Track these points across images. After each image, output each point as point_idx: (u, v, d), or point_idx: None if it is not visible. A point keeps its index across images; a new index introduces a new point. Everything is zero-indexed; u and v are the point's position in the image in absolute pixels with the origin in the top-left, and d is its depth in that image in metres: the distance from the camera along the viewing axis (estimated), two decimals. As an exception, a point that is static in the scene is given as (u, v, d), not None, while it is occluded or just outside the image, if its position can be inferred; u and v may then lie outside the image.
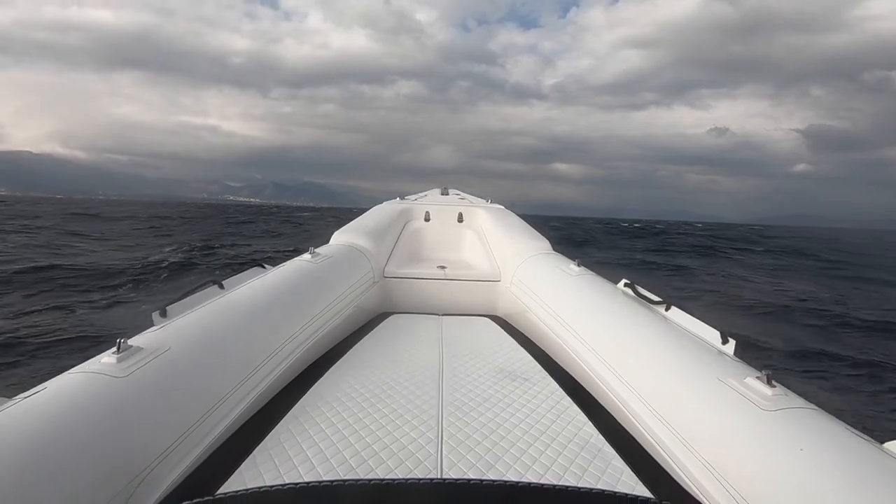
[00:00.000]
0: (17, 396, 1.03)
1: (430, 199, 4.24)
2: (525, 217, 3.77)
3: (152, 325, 1.48)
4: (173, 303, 1.60)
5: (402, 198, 4.24)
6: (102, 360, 1.19)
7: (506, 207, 4.10)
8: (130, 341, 1.28)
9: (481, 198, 4.43)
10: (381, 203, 4.03)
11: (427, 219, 3.83)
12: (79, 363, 1.22)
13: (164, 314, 1.53)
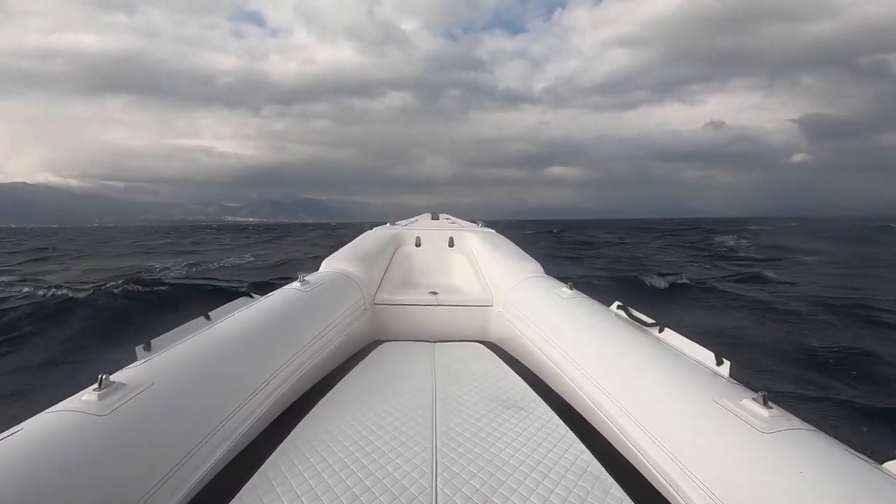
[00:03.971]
0: None
1: (421, 224, 4.22)
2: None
3: (136, 359, 1.44)
4: (158, 336, 1.55)
5: (392, 223, 4.22)
6: (83, 398, 1.15)
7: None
8: (112, 377, 1.24)
9: (472, 221, 4.43)
10: (372, 229, 4.04)
11: (418, 244, 3.80)
12: (57, 402, 1.17)
13: (148, 348, 1.49)
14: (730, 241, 24.63)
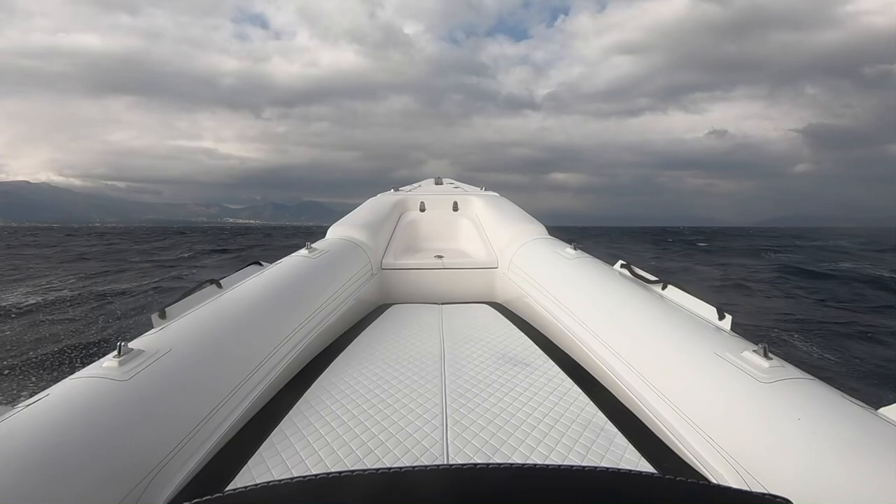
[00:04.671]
0: (20, 404, 1.04)
1: (425, 189, 4.27)
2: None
3: (152, 327, 1.48)
4: (172, 304, 1.59)
5: (397, 189, 4.22)
6: (104, 365, 1.19)
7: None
8: (131, 344, 1.29)
9: (476, 185, 4.42)
10: (376, 195, 4.00)
11: (422, 209, 3.83)
12: (80, 369, 1.22)
13: (163, 315, 1.53)
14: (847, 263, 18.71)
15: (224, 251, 22.23)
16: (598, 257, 2.45)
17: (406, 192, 4.06)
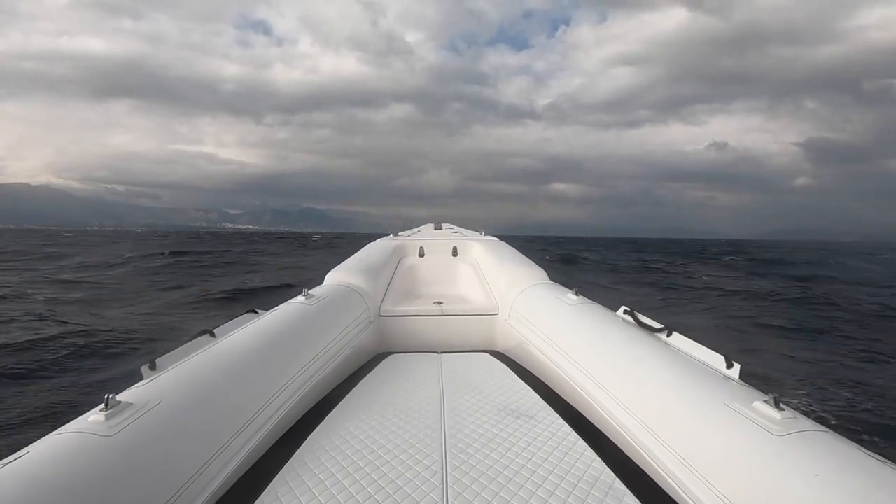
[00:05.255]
0: None
1: (424, 235, 4.28)
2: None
3: (142, 378, 1.43)
4: (163, 355, 1.54)
5: (396, 234, 4.26)
6: (90, 419, 1.14)
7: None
8: (119, 397, 1.24)
9: (475, 230, 4.46)
10: (375, 240, 4.02)
11: (421, 254, 3.79)
12: (64, 423, 1.17)
13: (153, 367, 1.48)
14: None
15: (181, 253, 19.41)
16: (600, 303, 2.42)
17: (405, 238, 4.08)
